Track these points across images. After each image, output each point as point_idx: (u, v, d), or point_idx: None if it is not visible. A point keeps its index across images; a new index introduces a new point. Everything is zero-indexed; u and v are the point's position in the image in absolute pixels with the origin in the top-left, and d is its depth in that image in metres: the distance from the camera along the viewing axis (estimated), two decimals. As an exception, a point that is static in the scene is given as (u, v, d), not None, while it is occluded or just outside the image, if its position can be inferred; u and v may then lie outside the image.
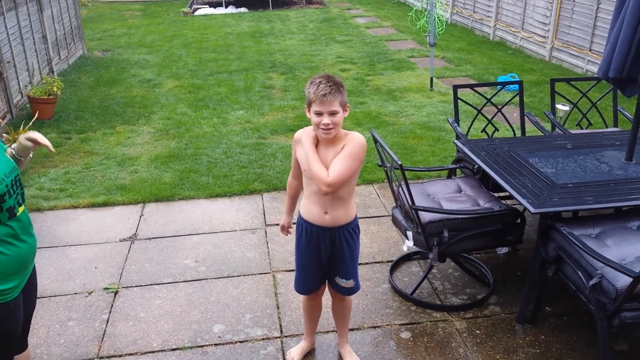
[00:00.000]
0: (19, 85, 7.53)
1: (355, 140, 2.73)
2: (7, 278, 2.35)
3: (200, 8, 16.51)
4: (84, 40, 11.15)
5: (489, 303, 3.74)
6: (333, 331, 3.46)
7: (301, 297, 3.23)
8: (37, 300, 3.77)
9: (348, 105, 2.76)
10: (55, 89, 7.37)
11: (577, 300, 3.24)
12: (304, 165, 2.81)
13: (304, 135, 2.80)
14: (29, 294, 2.58)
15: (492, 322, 3.57)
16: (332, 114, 2.66)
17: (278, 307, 3.74)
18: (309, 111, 2.73)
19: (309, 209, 2.86)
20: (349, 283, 3.03)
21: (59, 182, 5.51)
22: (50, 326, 3.60)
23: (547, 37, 9.83)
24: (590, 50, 8.73)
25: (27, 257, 2.45)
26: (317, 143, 2.79)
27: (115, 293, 3.91)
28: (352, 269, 3.01)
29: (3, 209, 2.32)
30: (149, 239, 4.57)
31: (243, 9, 16.34)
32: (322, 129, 2.68)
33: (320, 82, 2.66)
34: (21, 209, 2.43)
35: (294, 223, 3.12)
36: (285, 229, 3.21)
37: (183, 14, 15.88)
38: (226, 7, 16.53)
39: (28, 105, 7.42)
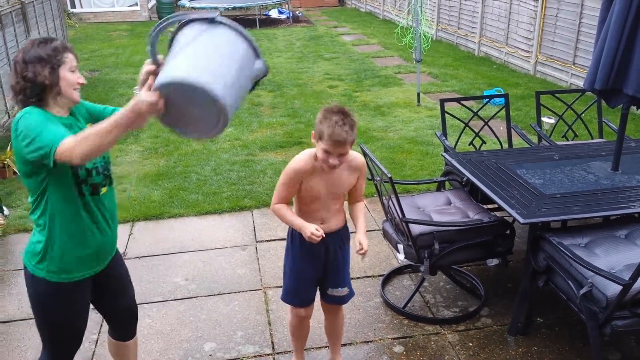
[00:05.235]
0: (5, 105, 7.49)
1: (364, 165, 2.89)
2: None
3: (187, 28, 16.56)
4: (71, 61, 11.13)
5: (480, 315, 3.74)
6: (325, 347, 3.43)
7: (290, 316, 3.17)
8: (24, 321, 3.74)
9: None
10: (42, 109, 7.32)
11: (568, 310, 3.25)
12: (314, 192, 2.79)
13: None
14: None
15: (484, 334, 3.56)
16: (341, 154, 2.63)
17: (270, 324, 3.71)
18: (317, 141, 2.64)
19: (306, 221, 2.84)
20: (344, 291, 3.04)
21: (46, 202, 5.45)
22: (39, 346, 3.53)
23: (531, 52, 9.97)
24: (574, 64, 8.86)
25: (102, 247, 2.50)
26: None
27: (105, 313, 3.86)
28: (345, 276, 3.04)
29: (87, 183, 2.36)
30: (138, 257, 4.53)
31: (230, 28, 16.40)
32: (327, 166, 2.65)
33: (336, 122, 2.50)
34: (104, 189, 2.44)
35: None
36: (316, 234, 2.69)
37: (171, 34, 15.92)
38: (213, 27, 16.59)
39: (15, 126, 7.37)
